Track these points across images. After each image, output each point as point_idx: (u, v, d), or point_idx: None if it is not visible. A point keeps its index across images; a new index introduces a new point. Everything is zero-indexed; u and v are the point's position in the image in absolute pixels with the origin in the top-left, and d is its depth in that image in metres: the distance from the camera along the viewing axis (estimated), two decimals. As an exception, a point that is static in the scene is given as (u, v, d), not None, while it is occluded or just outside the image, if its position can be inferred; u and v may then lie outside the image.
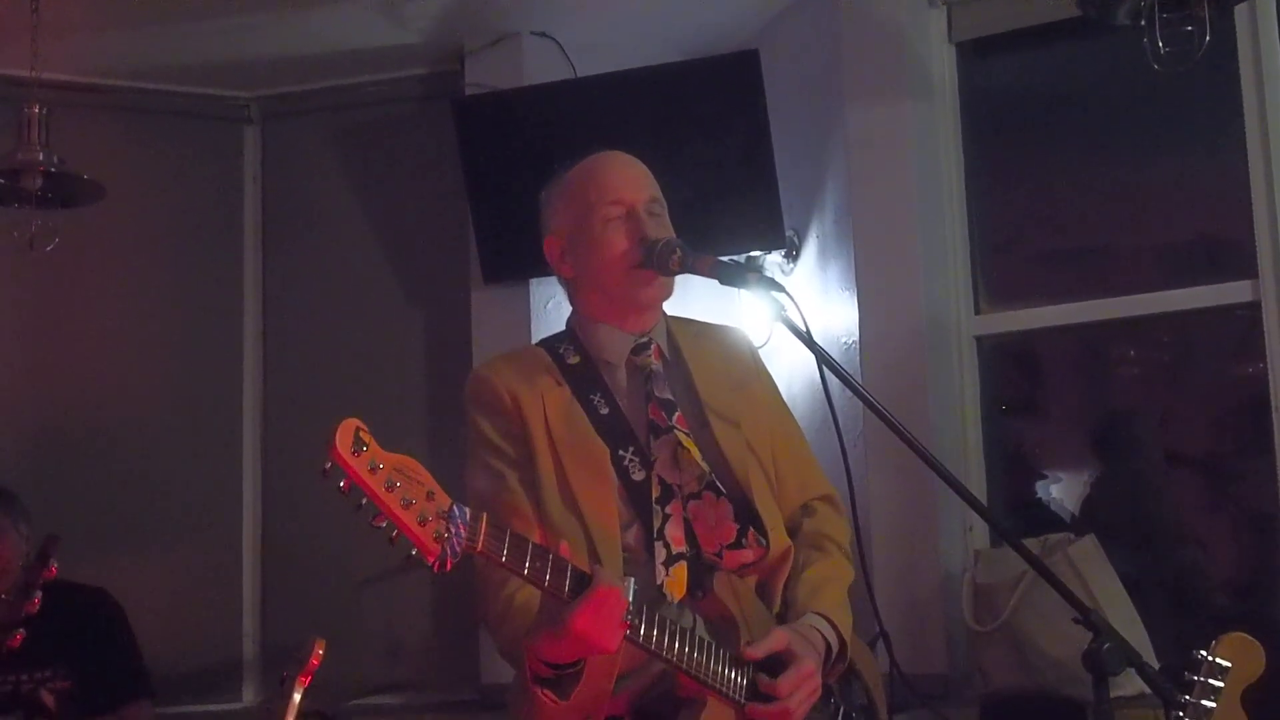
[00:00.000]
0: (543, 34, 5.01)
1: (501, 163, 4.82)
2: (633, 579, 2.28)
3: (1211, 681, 2.29)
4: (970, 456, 4.57)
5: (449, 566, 2.03)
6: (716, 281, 2.58)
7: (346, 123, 5.51)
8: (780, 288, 2.51)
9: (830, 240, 4.70)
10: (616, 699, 2.47)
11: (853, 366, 4.50)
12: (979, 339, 4.64)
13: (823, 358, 2.51)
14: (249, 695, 5.30)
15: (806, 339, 2.49)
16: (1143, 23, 3.50)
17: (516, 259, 4.85)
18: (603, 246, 2.67)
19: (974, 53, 4.74)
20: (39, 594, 2.97)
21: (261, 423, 5.45)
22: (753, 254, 4.78)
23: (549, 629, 2.23)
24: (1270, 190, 4.13)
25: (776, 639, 2.48)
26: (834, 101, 4.68)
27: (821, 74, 4.75)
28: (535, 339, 4.79)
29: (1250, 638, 2.33)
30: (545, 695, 2.31)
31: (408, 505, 1.98)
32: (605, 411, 2.65)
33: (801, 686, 2.46)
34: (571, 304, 2.83)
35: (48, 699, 3.92)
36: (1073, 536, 4.15)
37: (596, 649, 2.23)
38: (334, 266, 5.45)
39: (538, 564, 2.15)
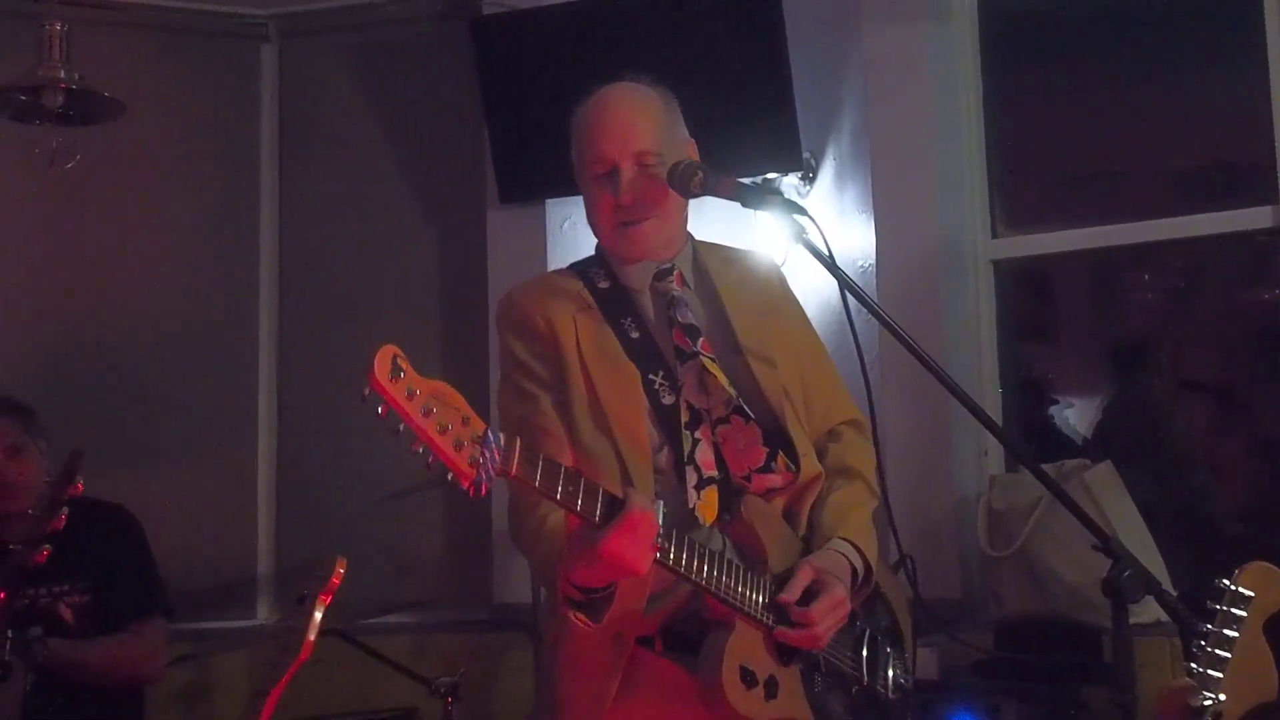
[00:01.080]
0: (564, -48, 4.95)
1: (519, 82, 4.80)
2: (662, 502, 2.29)
3: (1234, 610, 2.28)
4: (985, 381, 4.58)
5: (484, 491, 2.04)
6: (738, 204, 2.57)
7: (363, 41, 5.46)
8: (802, 210, 2.49)
9: (847, 162, 4.67)
10: (647, 619, 2.50)
11: (869, 290, 4.45)
12: (995, 263, 4.63)
13: (844, 281, 2.50)
14: (263, 612, 5.34)
15: (828, 262, 2.47)
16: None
17: (532, 179, 4.84)
18: (590, 203, 2.70)
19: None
20: (65, 510, 2.98)
21: (277, 341, 5.45)
22: (769, 176, 4.75)
23: (581, 553, 2.25)
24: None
25: (804, 573, 2.50)
26: (852, 21, 4.64)
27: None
28: (551, 260, 4.89)
29: (1273, 567, 2.32)
30: (577, 618, 2.34)
31: (444, 430, 1.99)
32: (635, 335, 2.66)
33: (832, 613, 2.49)
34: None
35: (66, 613, 3.93)
36: (1088, 462, 4.15)
37: (628, 572, 2.25)
38: (350, 185, 5.42)
39: (570, 488, 2.16)
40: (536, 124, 4.75)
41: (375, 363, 1.95)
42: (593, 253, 2.82)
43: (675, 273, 2.72)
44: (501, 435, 2.07)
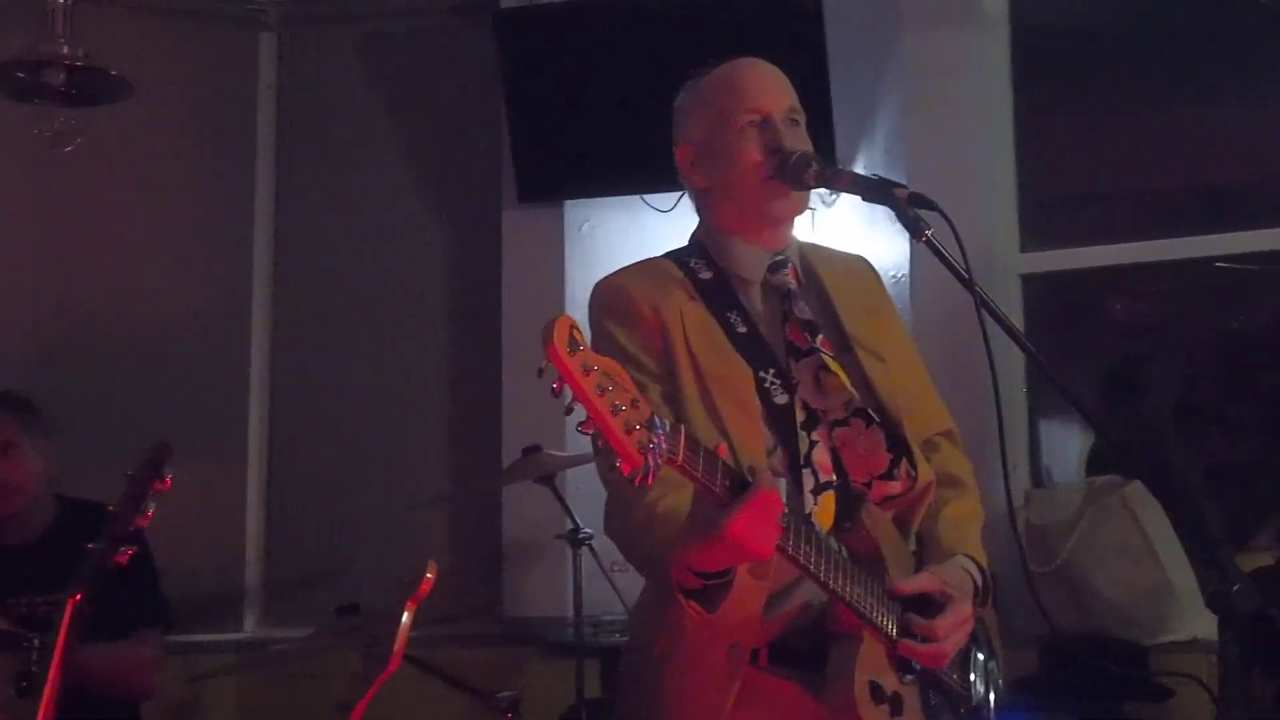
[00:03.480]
0: (588, -52, 4.84)
1: (542, 79, 4.69)
2: (784, 479, 2.21)
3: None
4: (1015, 395, 4.50)
5: (649, 481, 1.91)
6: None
7: (371, 33, 5.30)
8: (932, 204, 2.37)
9: (879, 170, 4.56)
10: (765, 627, 2.36)
11: (902, 302, 4.41)
12: (1024, 277, 4.57)
13: (972, 286, 2.37)
14: (250, 625, 5.14)
15: (955, 264, 2.36)
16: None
17: (553, 178, 4.75)
18: (737, 155, 2.53)
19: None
20: (152, 506, 2.81)
21: (270, 344, 5.26)
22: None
23: (701, 534, 2.10)
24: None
25: (929, 578, 2.41)
26: (890, 26, 4.57)
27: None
28: (569, 264, 4.76)
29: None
30: (691, 607, 2.19)
31: (616, 412, 1.86)
32: (743, 330, 2.52)
33: (957, 630, 2.39)
34: (700, 216, 2.69)
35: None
36: (1122, 479, 4.10)
37: (751, 554, 2.11)
38: (353, 182, 5.24)
39: (721, 478, 2.04)
40: (559, 122, 4.66)
41: (555, 333, 1.81)
42: (686, 242, 2.68)
43: (790, 265, 2.60)
44: (667, 421, 1.94)
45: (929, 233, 2.34)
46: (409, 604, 2.52)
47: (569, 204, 4.81)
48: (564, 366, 1.82)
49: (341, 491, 5.07)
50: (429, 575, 2.54)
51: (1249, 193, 4.56)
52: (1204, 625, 3.89)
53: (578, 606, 4.14)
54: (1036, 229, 4.59)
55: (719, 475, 2.04)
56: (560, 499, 4.11)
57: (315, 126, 5.31)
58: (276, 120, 5.33)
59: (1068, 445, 4.80)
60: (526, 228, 4.85)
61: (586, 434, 1.87)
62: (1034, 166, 4.62)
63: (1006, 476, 2.59)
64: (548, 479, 4.10)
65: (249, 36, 5.30)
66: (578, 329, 1.85)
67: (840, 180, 2.50)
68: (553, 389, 1.84)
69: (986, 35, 4.57)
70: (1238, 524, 4.52)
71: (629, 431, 1.87)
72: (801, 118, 2.59)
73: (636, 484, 1.91)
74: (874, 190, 2.45)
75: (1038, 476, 4.58)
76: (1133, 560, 3.97)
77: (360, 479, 5.03)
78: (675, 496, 2.24)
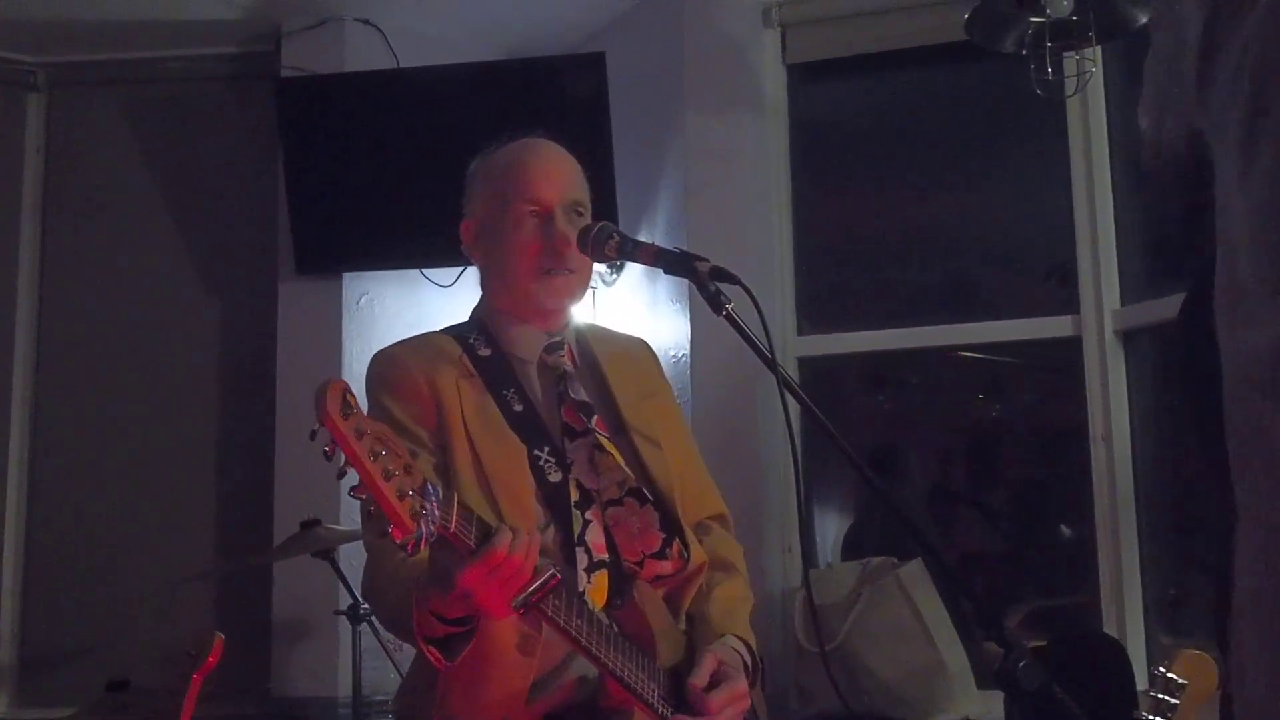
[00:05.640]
0: (365, 20, 4.80)
1: (322, 150, 4.62)
2: (552, 562, 2.20)
3: (1168, 698, 2.30)
4: (788, 477, 4.54)
5: (422, 547, 1.92)
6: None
7: (145, 98, 5.15)
8: (735, 279, 2.37)
9: (666, 249, 4.62)
10: (531, 707, 2.36)
11: (683, 381, 4.44)
12: (801, 360, 4.64)
13: (774, 364, 2.39)
14: (3, 705, 4.89)
15: (754, 339, 2.37)
16: (1024, 52, 3.56)
17: (332, 250, 4.68)
18: (513, 244, 2.56)
19: (805, 76, 4.76)
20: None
21: (31, 410, 5.04)
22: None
23: (438, 582, 2.10)
24: (1093, 227, 4.23)
25: (710, 661, 2.42)
26: (673, 111, 4.62)
27: (660, 82, 4.68)
28: (347, 335, 4.69)
29: (1205, 655, 2.34)
30: (431, 653, 2.20)
31: (389, 477, 1.86)
32: (519, 409, 2.53)
33: (732, 704, 2.40)
34: (482, 291, 2.69)
35: None
36: (896, 560, 4.17)
37: (481, 607, 2.12)
38: (123, 250, 5.08)
39: (477, 533, 2.05)
40: (339, 192, 4.60)
41: (327, 397, 1.82)
42: (465, 319, 2.70)
43: (566, 347, 2.63)
44: (439, 487, 1.95)
45: (729, 307, 2.35)
46: (195, 676, 2.45)
47: (348, 276, 4.74)
48: (337, 430, 1.82)
49: (104, 565, 4.88)
50: (216, 645, 2.48)
51: (1001, 283, 4.70)
52: (975, 706, 3.96)
53: (356, 685, 4.04)
54: (811, 313, 4.67)
55: (475, 531, 2.05)
56: (340, 574, 4.02)
57: (84, 191, 5.14)
58: (44, 183, 5.14)
59: (824, 527, 4.87)
60: (304, 299, 4.76)
61: (359, 498, 1.87)
62: (809, 252, 4.71)
63: (805, 553, 2.62)
64: (326, 553, 4.01)
65: (16, 96, 5.13)
66: (351, 393, 1.85)
67: (642, 252, 2.50)
68: (325, 452, 1.84)
69: (767, 122, 4.65)
70: (989, 609, 4.62)
71: (401, 497, 1.87)
72: (586, 210, 2.61)
73: (409, 551, 1.90)
74: (676, 263, 2.46)
75: (810, 558, 4.63)
76: (906, 640, 4.02)
77: (124, 552, 4.85)
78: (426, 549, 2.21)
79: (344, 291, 4.75)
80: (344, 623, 4.05)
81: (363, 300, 4.73)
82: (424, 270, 4.67)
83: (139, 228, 5.09)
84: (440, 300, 4.61)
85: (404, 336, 2.69)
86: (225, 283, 5.06)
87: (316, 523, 3.98)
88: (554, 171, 2.60)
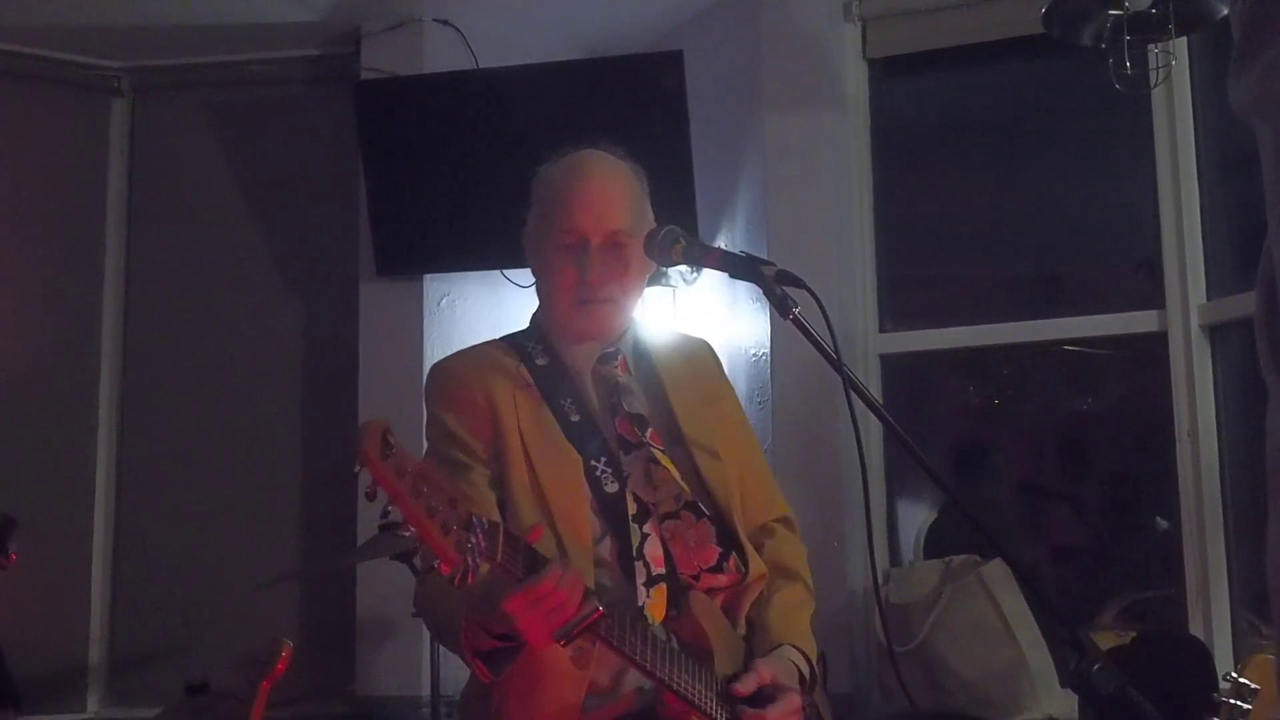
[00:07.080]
0: (445, 21, 4.82)
1: (402, 151, 4.65)
2: (603, 590, 2.24)
3: (1239, 704, 2.24)
4: (873, 474, 4.52)
5: (470, 580, 1.94)
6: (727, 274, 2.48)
7: (227, 101, 5.21)
8: (800, 282, 2.35)
9: (740, 249, 4.60)
10: (592, 717, 2.38)
11: (763, 380, 4.43)
12: (883, 357, 4.60)
13: (840, 366, 2.37)
14: (93, 705, 4.96)
15: (822, 344, 2.35)
16: (1103, 45, 3.50)
17: (412, 252, 4.70)
18: (552, 270, 2.57)
19: (885, 71, 4.72)
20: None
21: (119, 417, 5.10)
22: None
23: (486, 600, 2.13)
24: (1179, 221, 4.16)
25: (761, 673, 2.42)
26: (751, 109, 4.60)
27: (738, 80, 4.66)
28: (428, 338, 4.71)
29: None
30: (477, 666, 2.23)
31: (433, 513, 1.90)
32: (576, 419, 2.54)
33: (788, 718, 2.41)
34: (539, 298, 2.70)
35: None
36: (978, 558, 4.13)
37: (523, 633, 2.14)
38: (206, 253, 5.13)
39: (524, 562, 2.08)
40: (419, 195, 4.62)
41: (365, 440, 1.85)
42: (526, 325, 2.71)
43: (620, 358, 2.63)
44: (485, 519, 1.97)
45: (796, 310, 2.33)
46: (263, 683, 2.47)
47: (428, 277, 4.76)
48: (377, 470, 1.85)
49: (190, 567, 4.94)
50: (284, 654, 2.50)
51: (1105, 275, 4.64)
52: (1058, 705, 3.92)
53: (435, 685, 4.06)
54: (894, 310, 4.64)
55: (522, 560, 2.06)
56: (418, 576, 4.03)
57: (167, 194, 5.19)
58: (128, 187, 5.20)
59: (908, 525, 4.84)
60: (385, 301, 4.79)
61: (404, 536, 1.90)
62: (892, 248, 4.67)
63: (871, 553, 2.60)
64: (404, 556, 4.03)
65: (101, 102, 5.19)
66: (391, 433, 1.87)
67: (708, 257, 2.49)
68: (366, 493, 1.87)
69: (847, 118, 4.61)
70: (1081, 604, 4.58)
71: (446, 532, 1.90)
72: (630, 237, 2.55)
73: (457, 584, 1.92)
74: (741, 267, 2.45)
75: (894, 555, 4.60)
76: (989, 639, 3.98)
77: (209, 554, 4.90)
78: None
79: (425, 293, 4.77)
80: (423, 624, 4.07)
81: (444, 302, 4.75)
82: (505, 271, 4.67)
83: (221, 231, 5.14)
84: (521, 301, 4.60)
85: (485, 337, 2.71)
86: (307, 285, 5.10)
87: (397, 525, 3.98)
88: (596, 200, 2.55)
